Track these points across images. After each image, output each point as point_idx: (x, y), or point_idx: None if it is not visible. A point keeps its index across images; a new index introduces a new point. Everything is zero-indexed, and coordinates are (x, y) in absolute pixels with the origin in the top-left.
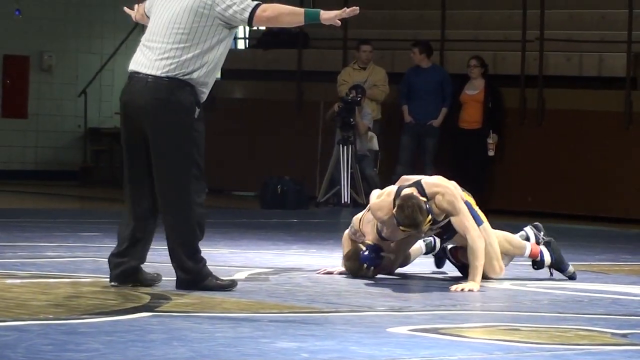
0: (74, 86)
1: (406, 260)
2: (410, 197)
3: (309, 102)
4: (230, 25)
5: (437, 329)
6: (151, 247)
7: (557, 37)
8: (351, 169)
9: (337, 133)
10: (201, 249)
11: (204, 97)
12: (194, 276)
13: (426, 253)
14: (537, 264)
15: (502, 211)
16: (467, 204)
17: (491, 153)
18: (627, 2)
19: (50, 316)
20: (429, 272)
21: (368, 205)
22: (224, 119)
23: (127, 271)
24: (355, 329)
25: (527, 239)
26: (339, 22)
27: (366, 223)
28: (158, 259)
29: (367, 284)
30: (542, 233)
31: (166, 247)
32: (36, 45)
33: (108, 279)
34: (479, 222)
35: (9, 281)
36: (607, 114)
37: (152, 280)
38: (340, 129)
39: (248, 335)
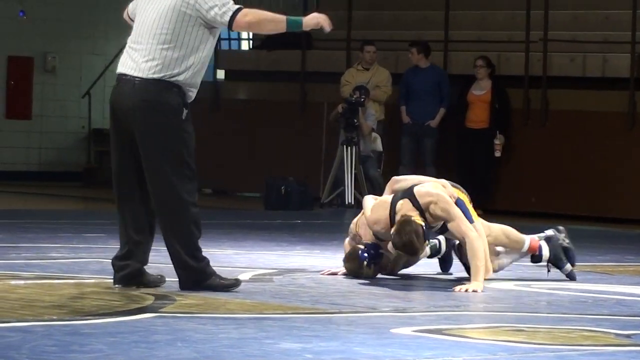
0: (77, 87)
1: (410, 262)
2: (407, 222)
3: (313, 103)
4: (210, 26)
5: (441, 330)
6: (153, 248)
7: (561, 38)
8: (355, 170)
9: (341, 134)
10: (202, 248)
11: (192, 97)
12: (197, 275)
13: (431, 256)
14: (535, 258)
15: (505, 212)
16: (459, 201)
17: (498, 154)
18: (631, 3)
19: (54, 317)
20: (433, 273)
21: (362, 210)
22: (228, 120)
23: (130, 274)
24: (359, 330)
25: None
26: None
27: (362, 225)
28: (162, 260)
29: (370, 285)
30: (562, 235)
31: (162, 247)
32: (40, 47)
33: (112, 280)
34: (470, 220)
35: (13, 282)
36: (611, 115)
37: (155, 282)
38: (344, 129)
39: (252, 336)
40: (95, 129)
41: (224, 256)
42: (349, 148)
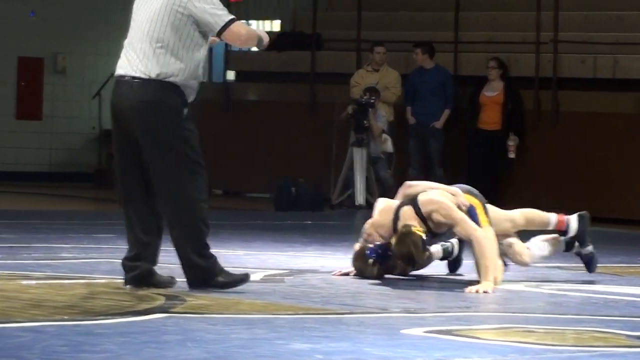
0: (88, 88)
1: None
2: (407, 233)
3: (323, 104)
4: (201, 28)
5: (452, 331)
6: (163, 248)
7: (572, 39)
8: (365, 171)
9: (351, 135)
10: (212, 248)
11: (191, 96)
12: (204, 273)
13: (443, 258)
14: (562, 233)
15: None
16: (471, 208)
17: (512, 155)
18: None
19: (66, 317)
20: (444, 274)
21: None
22: (238, 121)
23: (141, 274)
24: (370, 331)
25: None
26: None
27: (373, 226)
28: (173, 261)
29: (381, 286)
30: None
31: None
32: (50, 47)
33: (123, 281)
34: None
35: (24, 282)
36: (622, 116)
37: (166, 283)
38: (355, 131)
39: (263, 336)
40: (105, 130)
41: (234, 257)
42: (359, 149)
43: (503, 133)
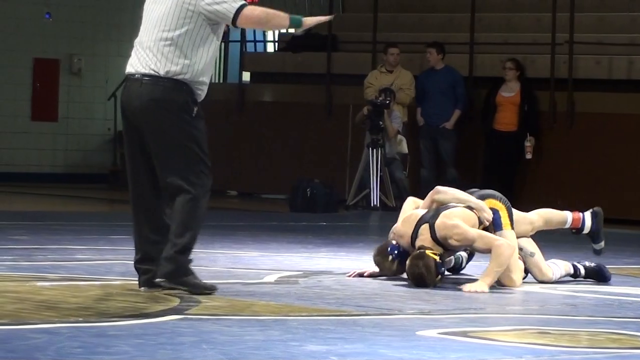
0: (103, 89)
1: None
2: (421, 256)
3: (339, 105)
4: (214, 22)
5: (467, 332)
6: None
7: (587, 40)
8: (380, 172)
9: (367, 136)
10: (225, 251)
11: (201, 94)
12: (176, 269)
13: (451, 269)
14: (577, 231)
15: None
16: (495, 212)
17: (529, 156)
18: None
19: (80, 319)
20: (459, 275)
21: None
22: (253, 122)
23: (154, 277)
24: (385, 332)
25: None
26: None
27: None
28: None
29: (396, 287)
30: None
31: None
32: (66, 49)
33: (137, 283)
34: (498, 228)
35: (39, 284)
36: (637, 117)
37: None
38: (370, 132)
39: (277, 338)
40: (120, 131)
41: (249, 258)
42: (374, 150)
43: (519, 134)
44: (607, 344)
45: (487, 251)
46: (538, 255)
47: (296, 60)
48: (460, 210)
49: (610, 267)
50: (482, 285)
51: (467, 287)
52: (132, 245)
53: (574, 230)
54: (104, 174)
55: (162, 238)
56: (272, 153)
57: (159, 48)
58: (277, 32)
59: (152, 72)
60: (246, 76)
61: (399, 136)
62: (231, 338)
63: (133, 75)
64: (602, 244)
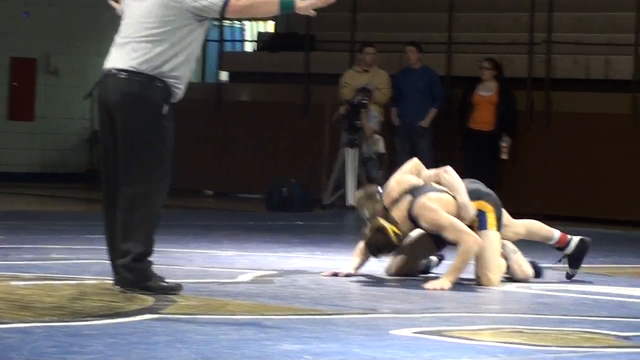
0: (80, 89)
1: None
2: (379, 229)
3: (316, 105)
4: (201, 17)
5: (441, 332)
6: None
7: (565, 40)
8: (357, 171)
9: (343, 136)
10: (200, 249)
11: (178, 92)
12: (136, 277)
13: (422, 272)
14: (560, 249)
15: (509, 214)
16: (480, 214)
17: (505, 156)
18: (635, 5)
19: (55, 318)
20: (433, 274)
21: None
22: (231, 121)
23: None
24: (359, 331)
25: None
26: (314, 12)
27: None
28: (162, 261)
29: (370, 287)
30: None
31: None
32: (43, 48)
33: (112, 282)
34: (481, 228)
35: (13, 283)
36: (614, 117)
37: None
38: (346, 131)
39: (252, 337)
40: (97, 131)
41: (225, 257)
42: (350, 150)
43: (496, 133)
44: (580, 342)
45: (456, 242)
46: (519, 254)
47: (274, 60)
48: (446, 199)
49: (585, 266)
50: (444, 282)
51: (430, 284)
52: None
53: (557, 247)
54: (81, 173)
55: None
56: (249, 152)
57: (141, 44)
58: (255, 31)
59: (129, 68)
60: (224, 75)
61: (376, 135)
62: (206, 337)
63: (110, 70)
64: (577, 272)
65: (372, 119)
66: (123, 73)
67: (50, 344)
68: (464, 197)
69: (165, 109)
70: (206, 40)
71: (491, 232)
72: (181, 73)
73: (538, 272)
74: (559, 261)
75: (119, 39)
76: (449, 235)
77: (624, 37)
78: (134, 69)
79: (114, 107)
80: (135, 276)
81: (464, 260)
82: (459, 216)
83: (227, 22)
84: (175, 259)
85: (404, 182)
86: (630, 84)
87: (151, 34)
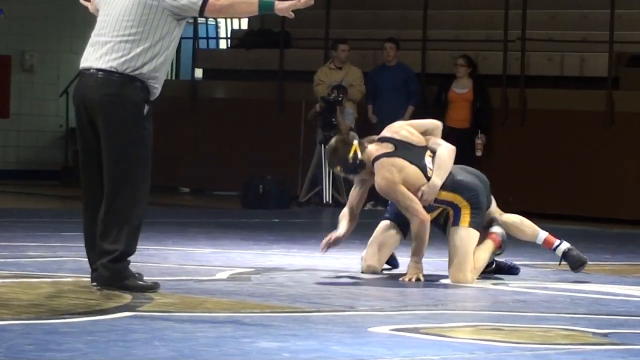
0: (55, 86)
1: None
2: (347, 141)
3: (291, 102)
4: (180, 17)
5: (419, 329)
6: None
7: (539, 37)
8: None
9: (319, 133)
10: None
11: (155, 93)
12: (113, 276)
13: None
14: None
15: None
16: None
17: (479, 153)
18: (609, 2)
19: (32, 316)
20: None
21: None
22: (206, 119)
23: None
24: (337, 329)
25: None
26: (292, 14)
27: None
28: (139, 259)
29: (348, 285)
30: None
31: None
32: (18, 45)
33: (89, 279)
34: (477, 227)
35: None
36: (589, 114)
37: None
38: (322, 128)
39: (229, 335)
40: (72, 128)
41: (201, 255)
42: (326, 147)
43: (471, 131)
44: (558, 340)
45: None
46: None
47: (249, 57)
48: (413, 173)
49: (562, 264)
50: (413, 270)
51: (406, 277)
52: (83, 242)
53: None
54: (56, 170)
55: None
56: (224, 149)
57: (118, 43)
58: (229, 29)
59: (107, 68)
60: (198, 73)
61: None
62: (183, 335)
63: (88, 70)
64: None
65: (348, 116)
66: (101, 73)
67: (28, 342)
68: (436, 181)
69: (146, 109)
70: (180, 38)
71: (462, 230)
72: (160, 74)
73: (514, 270)
74: (559, 264)
75: (96, 37)
76: (400, 206)
77: (599, 35)
78: (113, 69)
79: (93, 106)
80: (113, 275)
81: (420, 243)
82: (416, 190)
83: (201, 20)
84: (152, 257)
85: (402, 133)
86: (604, 81)
87: (130, 33)
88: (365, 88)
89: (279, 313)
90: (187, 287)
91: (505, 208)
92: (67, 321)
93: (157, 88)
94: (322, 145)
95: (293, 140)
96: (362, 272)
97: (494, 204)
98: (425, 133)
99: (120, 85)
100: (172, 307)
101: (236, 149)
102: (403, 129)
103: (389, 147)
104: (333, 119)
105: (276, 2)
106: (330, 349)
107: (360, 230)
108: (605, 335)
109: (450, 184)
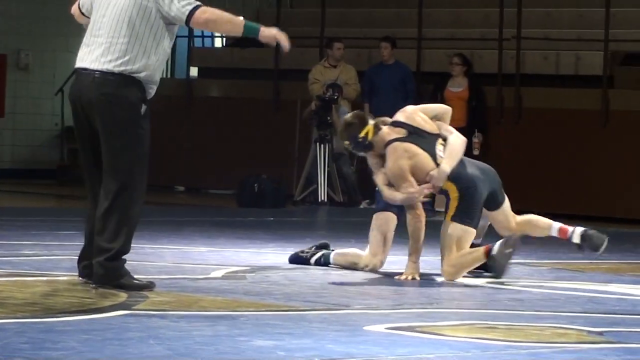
0: (51, 85)
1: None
2: (363, 119)
3: (286, 101)
4: (169, 22)
5: (414, 327)
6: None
7: (534, 36)
8: (328, 167)
9: (314, 131)
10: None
11: (151, 92)
12: (108, 274)
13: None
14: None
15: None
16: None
17: (476, 152)
18: (604, 1)
19: (27, 314)
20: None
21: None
22: (201, 118)
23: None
24: (332, 327)
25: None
26: (275, 43)
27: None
28: (135, 257)
29: (343, 283)
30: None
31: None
32: (13, 44)
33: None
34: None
35: None
36: (584, 113)
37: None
38: (317, 127)
39: (225, 333)
40: (68, 127)
41: (197, 253)
42: (322, 145)
43: (467, 130)
44: (554, 338)
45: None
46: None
47: (244, 56)
48: (428, 162)
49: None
50: (411, 269)
51: (402, 276)
52: (80, 240)
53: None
54: (51, 169)
55: None
56: (220, 148)
57: (114, 43)
58: None
59: (104, 68)
60: (194, 71)
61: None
62: (179, 333)
63: (85, 69)
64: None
65: (343, 114)
66: (97, 72)
67: (23, 340)
68: (445, 167)
69: (143, 108)
70: (176, 36)
71: (445, 224)
72: (154, 73)
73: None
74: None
75: (92, 37)
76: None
77: (594, 33)
78: (109, 69)
79: (90, 106)
80: (107, 273)
81: (415, 240)
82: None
83: None
84: (147, 255)
85: (416, 119)
86: (600, 79)
87: (125, 34)
88: (361, 86)
89: (274, 311)
90: (183, 285)
91: None
92: (63, 320)
93: (153, 88)
94: (318, 143)
95: (288, 138)
96: (370, 269)
97: (507, 203)
98: (435, 118)
99: (117, 85)
100: (167, 305)
101: (231, 148)
102: (417, 114)
103: (402, 132)
104: (328, 118)
105: (261, 28)
106: (326, 348)
107: (359, 230)
108: (600, 333)
109: (456, 174)
